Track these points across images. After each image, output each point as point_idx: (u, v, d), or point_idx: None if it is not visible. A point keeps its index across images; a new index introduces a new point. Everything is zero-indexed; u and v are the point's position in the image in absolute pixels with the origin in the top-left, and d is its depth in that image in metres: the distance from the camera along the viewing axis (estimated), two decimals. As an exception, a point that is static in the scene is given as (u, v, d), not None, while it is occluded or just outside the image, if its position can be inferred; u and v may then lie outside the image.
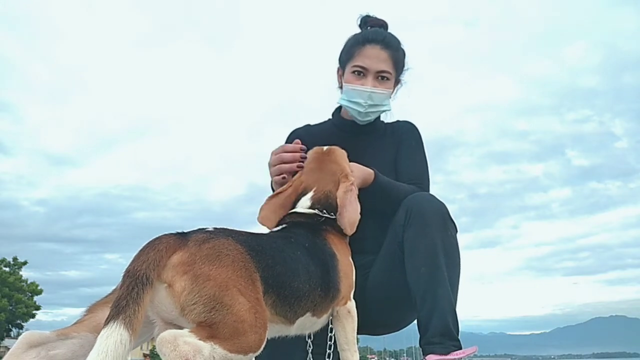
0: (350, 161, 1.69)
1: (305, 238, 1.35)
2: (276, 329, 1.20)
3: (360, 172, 1.67)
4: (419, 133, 2.01)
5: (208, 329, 0.93)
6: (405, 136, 1.98)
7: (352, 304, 1.45)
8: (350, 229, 1.50)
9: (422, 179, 1.89)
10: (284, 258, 1.19)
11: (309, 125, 2.07)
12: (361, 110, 1.84)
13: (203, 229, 1.10)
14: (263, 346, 1.03)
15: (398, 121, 2.05)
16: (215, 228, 1.11)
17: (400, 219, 1.63)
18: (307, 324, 1.31)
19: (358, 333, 1.88)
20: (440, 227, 1.57)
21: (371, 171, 1.70)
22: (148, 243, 1.00)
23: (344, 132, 1.98)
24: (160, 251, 0.97)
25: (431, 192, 1.86)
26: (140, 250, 0.99)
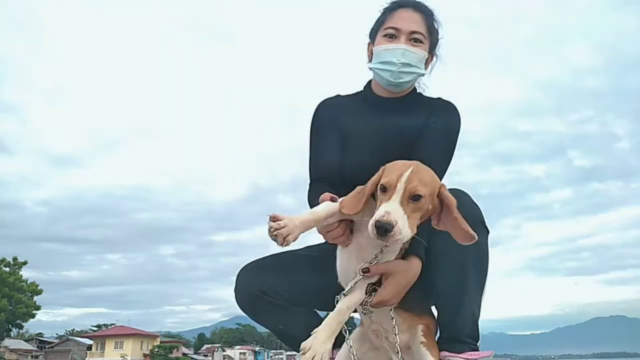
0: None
1: None
2: None
3: (402, 280, 1.47)
4: (454, 117, 1.84)
5: None
6: (437, 117, 1.81)
7: None
8: None
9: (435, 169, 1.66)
10: None
11: (339, 95, 1.98)
12: (394, 69, 1.77)
13: None
14: None
15: (439, 99, 1.89)
16: None
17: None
18: None
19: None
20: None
21: (415, 272, 1.49)
22: None
23: (371, 107, 1.89)
24: None
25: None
26: None
